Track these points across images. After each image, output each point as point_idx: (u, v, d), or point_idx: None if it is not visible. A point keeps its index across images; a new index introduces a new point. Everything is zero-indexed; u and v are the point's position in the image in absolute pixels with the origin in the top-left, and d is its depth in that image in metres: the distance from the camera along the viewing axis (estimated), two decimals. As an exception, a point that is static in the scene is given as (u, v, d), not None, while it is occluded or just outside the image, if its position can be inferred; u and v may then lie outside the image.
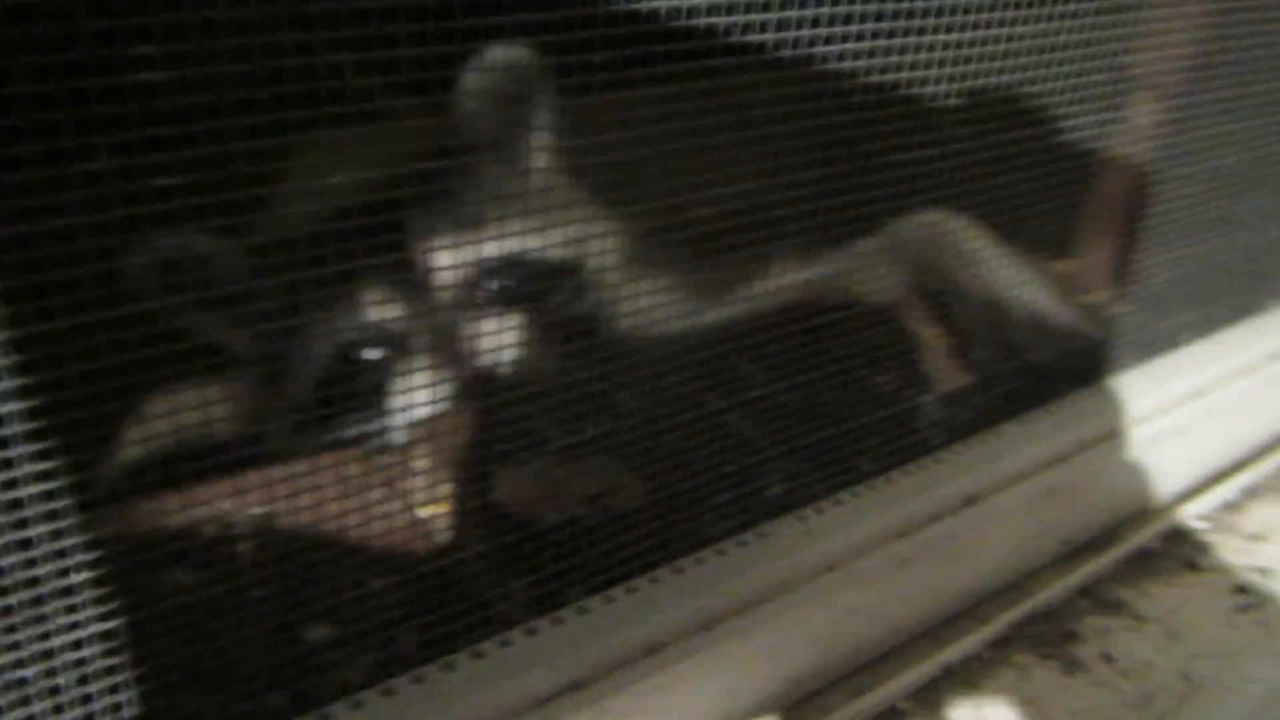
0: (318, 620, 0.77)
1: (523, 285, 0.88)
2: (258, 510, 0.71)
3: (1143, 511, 1.24)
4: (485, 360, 0.84)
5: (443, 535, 0.84)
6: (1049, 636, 1.07)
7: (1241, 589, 1.16)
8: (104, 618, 0.57)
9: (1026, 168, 0.99)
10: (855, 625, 0.94)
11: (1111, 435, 1.16)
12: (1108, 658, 1.05)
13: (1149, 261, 1.17)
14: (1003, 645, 1.06)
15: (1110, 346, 1.21)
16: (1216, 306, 1.31)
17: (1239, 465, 1.34)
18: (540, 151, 0.84)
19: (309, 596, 0.72)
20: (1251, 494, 1.33)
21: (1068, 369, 1.19)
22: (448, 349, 0.85)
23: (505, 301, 0.88)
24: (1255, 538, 1.25)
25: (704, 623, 0.83)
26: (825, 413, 0.96)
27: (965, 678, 1.01)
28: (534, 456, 0.85)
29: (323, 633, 0.79)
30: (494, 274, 0.87)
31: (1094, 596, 1.14)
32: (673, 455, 0.86)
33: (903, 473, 1.00)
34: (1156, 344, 1.25)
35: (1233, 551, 1.22)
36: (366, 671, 0.78)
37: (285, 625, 0.73)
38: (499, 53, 0.76)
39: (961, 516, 1.00)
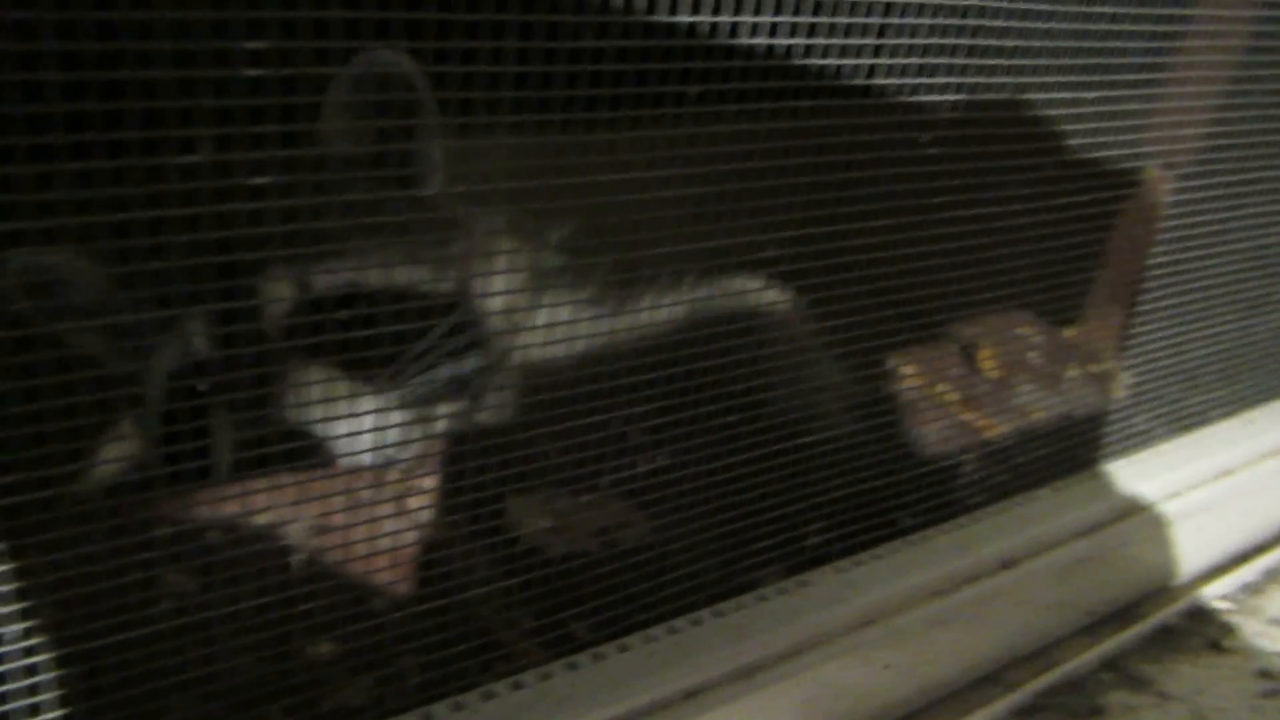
0: (320, 636, 0.75)
1: (382, 322, 0.76)
2: (259, 519, 0.68)
3: (1165, 587, 1.23)
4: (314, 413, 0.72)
5: (467, 560, 0.82)
6: (1075, 709, 1.06)
7: (1266, 674, 1.14)
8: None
9: (1058, 236, 0.99)
10: (887, 682, 0.92)
11: (1141, 508, 1.15)
12: (1134, 735, 1.03)
13: (1188, 336, 1.17)
14: (1028, 713, 1.04)
15: (1143, 418, 1.20)
16: (1246, 385, 1.31)
17: (1261, 547, 1.33)
18: (423, 170, 0.74)
19: (310, 610, 0.69)
20: (1273, 577, 1.32)
21: (1099, 438, 1.18)
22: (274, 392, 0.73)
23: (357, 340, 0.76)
24: (1278, 622, 1.24)
25: (743, 670, 0.81)
26: (867, 464, 0.95)
27: (991, 745, 0.99)
28: (545, 486, 0.82)
29: (325, 649, 0.77)
30: (343, 308, 0.75)
31: (1119, 670, 1.12)
32: (717, 496, 0.84)
33: (941, 531, 0.99)
34: (1188, 419, 1.25)
35: (1256, 635, 1.21)
36: (368, 692, 0.76)
37: (285, 637, 0.70)
38: (376, 59, 0.66)
39: (997, 579, 0.98)
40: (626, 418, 0.78)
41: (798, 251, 0.76)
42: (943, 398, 1.10)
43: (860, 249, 0.78)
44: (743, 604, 0.85)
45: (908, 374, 1.02)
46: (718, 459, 0.84)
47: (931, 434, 1.04)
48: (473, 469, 0.72)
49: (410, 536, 0.75)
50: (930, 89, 0.75)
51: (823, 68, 0.67)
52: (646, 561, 0.82)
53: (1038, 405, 1.17)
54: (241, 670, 0.68)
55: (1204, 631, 1.20)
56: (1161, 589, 1.23)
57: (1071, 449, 1.15)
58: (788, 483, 0.90)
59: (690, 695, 0.78)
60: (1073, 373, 1.24)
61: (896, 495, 0.97)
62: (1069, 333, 1.24)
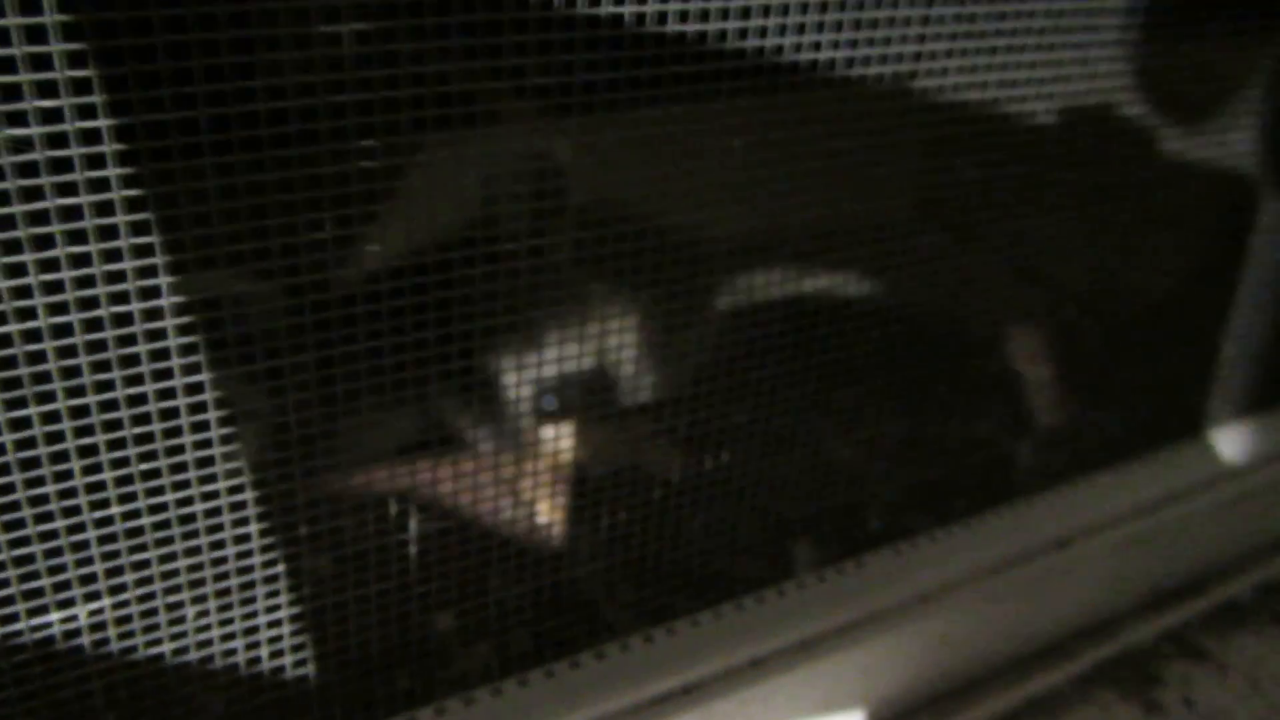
0: (444, 608, 0.87)
1: (574, 396, 0.88)
2: (390, 499, 0.79)
3: (1233, 563, 1.28)
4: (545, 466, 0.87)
5: (560, 545, 0.92)
6: (1132, 678, 1.12)
7: (1329, 645, 1.19)
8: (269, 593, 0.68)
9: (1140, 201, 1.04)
10: (945, 654, 1.01)
11: (1205, 488, 1.20)
12: (1188, 702, 1.10)
13: (1258, 316, 1.22)
14: (1086, 682, 1.11)
15: (1208, 399, 1.25)
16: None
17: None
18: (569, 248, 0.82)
19: (437, 584, 0.81)
20: (1347, 552, 1.35)
21: (1163, 421, 1.23)
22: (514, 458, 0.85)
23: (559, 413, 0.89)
24: (1347, 596, 1.27)
25: (803, 641, 0.91)
26: (925, 452, 1.03)
27: (1048, 710, 1.07)
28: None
29: (448, 621, 0.88)
30: (551, 391, 0.87)
31: (1180, 643, 1.18)
32: (782, 485, 0.94)
33: (996, 514, 1.07)
34: (1256, 398, 1.29)
35: (1323, 608, 1.25)
36: (484, 661, 0.88)
37: (415, 609, 0.81)
38: (530, 146, 0.73)
39: (1052, 558, 1.06)
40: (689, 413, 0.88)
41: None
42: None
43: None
44: (804, 583, 0.95)
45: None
46: (784, 452, 0.94)
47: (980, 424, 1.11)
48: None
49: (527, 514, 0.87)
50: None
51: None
52: (720, 545, 0.92)
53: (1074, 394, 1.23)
54: (375, 640, 0.81)
55: (1271, 606, 1.25)
56: (1230, 564, 1.28)
57: (1131, 432, 1.20)
58: (850, 468, 0.99)
59: (755, 664, 0.89)
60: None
61: (952, 482, 1.05)
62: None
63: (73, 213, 0.52)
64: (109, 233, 0.54)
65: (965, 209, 0.93)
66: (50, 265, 0.53)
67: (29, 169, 0.51)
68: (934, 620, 0.98)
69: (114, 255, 0.54)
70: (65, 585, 0.62)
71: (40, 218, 0.52)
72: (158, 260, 0.55)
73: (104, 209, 0.53)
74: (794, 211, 0.82)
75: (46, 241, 0.53)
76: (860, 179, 0.83)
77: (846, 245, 0.86)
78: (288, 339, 0.63)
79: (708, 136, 0.74)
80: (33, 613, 0.62)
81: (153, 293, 0.56)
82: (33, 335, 0.54)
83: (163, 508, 0.63)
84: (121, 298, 0.55)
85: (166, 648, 0.68)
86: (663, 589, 0.90)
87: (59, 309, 0.54)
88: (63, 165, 0.51)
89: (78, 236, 0.53)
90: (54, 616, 0.63)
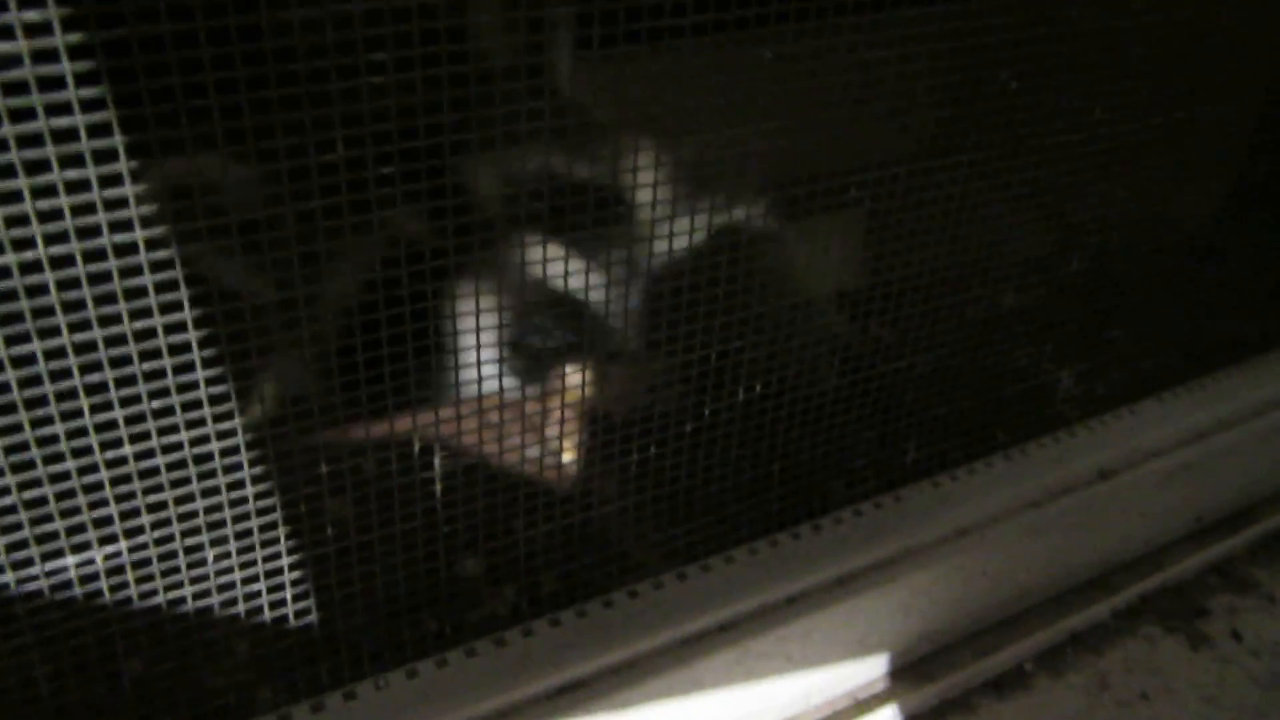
0: (470, 552, 0.85)
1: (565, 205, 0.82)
2: (413, 447, 0.77)
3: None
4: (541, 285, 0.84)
5: (589, 482, 0.90)
6: (1177, 610, 1.10)
7: (1380, 575, 1.16)
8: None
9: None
10: (985, 587, 0.99)
11: (1251, 415, 1.16)
12: (1236, 635, 1.07)
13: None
14: (1130, 616, 1.09)
15: (1253, 326, 1.21)
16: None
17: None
18: (562, 76, 0.79)
19: (462, 529, 0.79)
20: (1398, 480, 1.31)
21: (1208, 348, 1.19)
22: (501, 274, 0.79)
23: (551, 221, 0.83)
24: (1398, 525, 1.24)
25: (840, 577, 0.89)
26: (964, 383, 1.00)
27: (1091, 644, 1.05)
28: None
29: (474, 565, 0.87)
30: (538, 195, 0.81)
31: (1226, 574, 1.15)
32: (815, 419, 0.91)
33: (1038, 445, 1.04)
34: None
35: (1373, 537, 1.22)
36: (514, 603, 0.86)
37: (440, 554, 0.79)
38: None
39: (1094, 489, 1.03)
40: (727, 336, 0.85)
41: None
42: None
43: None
44: (840, 519, 0.92)
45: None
46: (816, 382, 0.91)
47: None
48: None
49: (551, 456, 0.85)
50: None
51: None
52: (750, 481, 0.90)
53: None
54: (402, 581, 0.79)
55: (1319, 535, 1.22)
56: (1276, 493, 1.24)
57: (1174, 360, 1.17)
58: (886, 400, 0.96)
59: (791, 601, 0.87)
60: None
61: (994, 412, 1.02)
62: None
63: (70, 133, 0.49)
64: (108, 155, 0.51)
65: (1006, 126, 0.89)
66: (47, 191, 0.50)
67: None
68: (974, 554, 0.96)
69: (114, 179, 0.51)
70: (79, 528, 0.60)
71: (35, 138, 0.49)
72: (162, 184, 0.52)
73: (102, 129, 0.50)
74: (822, 136, 0.78)
75: (41, 166, 0.50)
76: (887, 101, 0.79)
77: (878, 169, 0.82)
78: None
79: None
80: (47, 556, 0.60)
81: (156, 219, 0.53)
82: (32, 266, 0.52)
83: (177, 446, 0.61)
84: (124, 225, 0.52)
85: (188, 590, 0.67)
86: (695, 525, 0.87)
87: (58, 237, 0.51)
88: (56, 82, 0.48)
89: (75, 160, 0.50)
90: (69, 560, 0.61)
